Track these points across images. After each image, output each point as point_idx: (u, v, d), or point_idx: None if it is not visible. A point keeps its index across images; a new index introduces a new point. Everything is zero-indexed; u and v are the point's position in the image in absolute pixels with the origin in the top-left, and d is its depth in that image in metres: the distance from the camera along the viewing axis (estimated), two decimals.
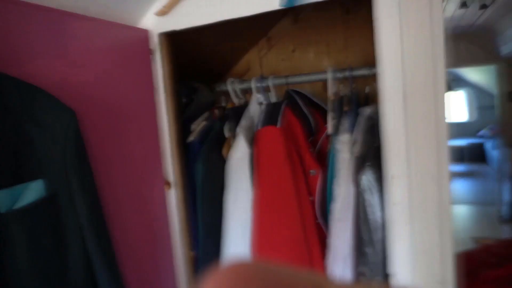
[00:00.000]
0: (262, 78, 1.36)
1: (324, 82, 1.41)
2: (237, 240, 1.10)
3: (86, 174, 0.75)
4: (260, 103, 1.35)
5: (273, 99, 1.37)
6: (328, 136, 1.23)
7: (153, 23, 1.11)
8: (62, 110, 0.70)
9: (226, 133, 1.31)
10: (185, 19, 1.08)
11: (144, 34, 1.09)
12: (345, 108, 1.28)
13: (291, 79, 1.38)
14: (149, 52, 1.10)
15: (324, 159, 1.19)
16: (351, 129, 1.11)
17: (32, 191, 0.63)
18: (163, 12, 1.07)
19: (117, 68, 0.98)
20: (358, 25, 1.57)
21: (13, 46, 0.72)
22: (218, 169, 1.25)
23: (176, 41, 1.15)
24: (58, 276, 0.67)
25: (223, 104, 1.48)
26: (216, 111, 1.42)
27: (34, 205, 0.62)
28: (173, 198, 1.15)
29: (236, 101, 1.44)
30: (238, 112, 1.34)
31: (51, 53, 0.80)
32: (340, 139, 1.08)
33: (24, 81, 0.68)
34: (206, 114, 1.38)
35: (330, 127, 1.18)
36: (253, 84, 1.35)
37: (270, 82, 1.35)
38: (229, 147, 1.27)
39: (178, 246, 1.17)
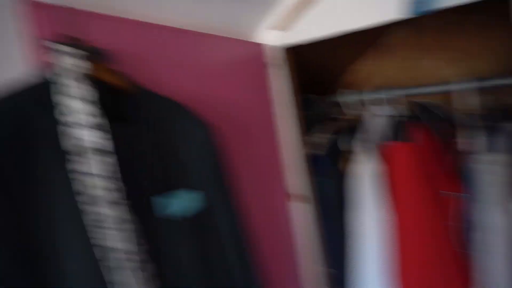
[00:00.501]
0: (378, 89, 1.28)
1: (446, 93, 1.28)
2: (368, 261, 1.04)
3: (227, 187, 0.76)
4: (378, 116, 1.27)
5: (393, 111, 1.28)
6: (461, 154, 1.10)
7: (272, 36, 1.11)
8: (200, 124, 0.73)
9: (342, 146, 1.26)
10: (305, 31, 1.07)
11: (259, 48, 1.10)
12: (481, 123, 1.14)
13: (412, 90, 1.28)
14: (265, 66, 1.11)
15: (456, 180, 1.06)
16: (495, 147, 0.97)
17: (184, 202, 0.66)
18: (285, 23, 1.07)
19: (236, 82, 1.00)
20: (490, 29, 1.40)
21: (152, 65, 0.77)
22: (337, 183, 1.20)
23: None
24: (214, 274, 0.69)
25: (336, 116, 1.43)
26: (330, 124, 1.38)
27: (186, 215, 0.65)
28: (302, 212, 1.14)
29: (350, 113, 1.38)
30: (352, 125, 1.28)
31: (182, 71, 0.84)
32: (485, 159, 0.95)
33: (169, 97, 0.71)
34: (319, 127, 1.35)
35: (466, 144, 1.05)
36: (369, 96, 1.28)
37: (387, 94, 1.26)
38: (346, 161, 1.22)
39: (307, 261, 1.15)
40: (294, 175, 1.13)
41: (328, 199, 1.17)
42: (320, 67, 1.52)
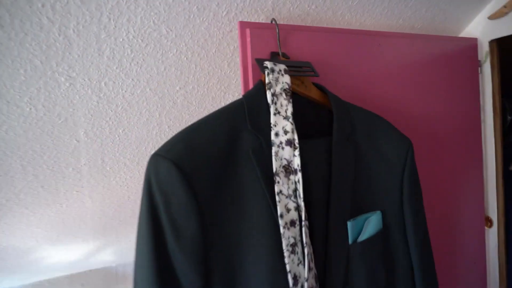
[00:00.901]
0: None
1: None
2: None
3: (419, 207, 0.68)
4: None
5: None
6: None
7: (482, 30, 0.93)
8: (400, 139, 0.66)
9: None
10: None
11: (471, 44, 0.93)
12: None
13: None
14: (477, 64, 0.94)
15: None
16: None
17: (373, 223, 0.62)
18: (501, 13, 0.88)
19: (441, 84, 0.87)
20: None
21: (350, 72, 0.74)
22: None
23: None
24: None
25: None
26: None
27: (374, 237, 0.61)
28: (493, 237, 0.95)
29: None
30: None
31: (381, 77, 0.78)
32: None
33: (368, 111, 0.67)
34: None
35: None
36: None
37: None
38: None
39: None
40: (493, 194, 0.94)
41: None
42: None
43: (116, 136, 0.75)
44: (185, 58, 0.68)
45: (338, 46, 0.72)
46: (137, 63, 0.65)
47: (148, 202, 0.47)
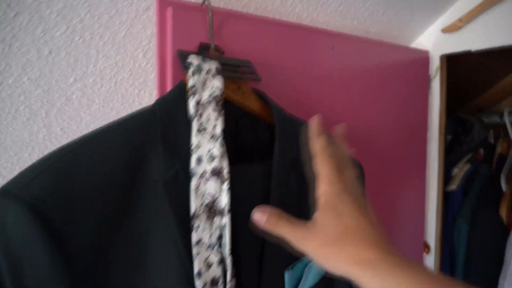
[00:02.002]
0: None
1: None
2: None
3: None
4: None
5: None
6: None
7: (434, 42, 0.87)
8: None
9: (503, 186, 0.97)
10: (477, 38, 0.80)
11: (423, 56, 0.87)
12: None
13: None
14: (428, 79, 0.88)
15: None
16: None
17: (314, 270, 0.49)
18: (455, 27, 0.82)
19: (391, 96, 0.79)
20: None
21: (293, 73, 0.62)
22: (489, 233, 0.93)
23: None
24: None
25: (491, 140, 1.13)
26: (481, 152, 1.09)
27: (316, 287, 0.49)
28: (429, 264, 0.90)
29: None
30: None
31: (333, 83, 0.67)
32: None
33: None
34: (469, 155, 1.06)
35: None
36: None
37: None
38: (509, 206, 0.93)
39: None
40: (433, 219, 0.90)
41: (472, 251, 0.90)
42: (478, 79, 1.21)
43: None
44: (80, 41, 0.49)
45: (286, 44, 0.59)
46: (3, 39, 0.45)
47: None
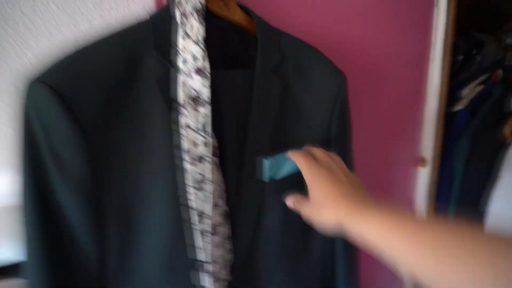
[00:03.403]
0: None
1: None
2: None
3: (347, 147, 0.66)
4: None
5: None
6: None
7: None
8: (332, 73, 0.60)
9: (509, 106, 0.98)
10: None
11: None
12: None
13: None
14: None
15: None
16: None
17: (291, 161, 0.58)
18: None
19: (392, 17, 0.81)
20: None
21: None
22: (489, 151, 0.97)
23: None
24: (300, 256, 0.63)
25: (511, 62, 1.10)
26: (500, 73, 1.08)
27: (293, 176, 0.58)
28: (424, 178, 0.97)
29: None
30: None
31: (317, 8, 0.71)
32: None
33: (302, 40, 0.61)
34: (484, 76, 1.06)
35: None
36: None
37: None
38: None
39: None
40: (430, 135, 0.94)
41: (471, 168, 0.95)
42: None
43: None
44: None
45: None
46: None
47: (26, 137, 0.41)
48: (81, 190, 0.43)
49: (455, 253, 0.30)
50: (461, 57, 0.99)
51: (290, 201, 0.52)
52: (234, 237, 0.54)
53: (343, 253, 0.64)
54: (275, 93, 0.55)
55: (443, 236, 0.32)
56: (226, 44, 0.56)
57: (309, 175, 0.47)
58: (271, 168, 0.55)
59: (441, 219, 0.34)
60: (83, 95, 0.42)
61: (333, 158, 0.51)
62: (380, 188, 0.92)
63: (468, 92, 1.02)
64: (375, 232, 0.38)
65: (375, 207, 0.41)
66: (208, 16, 0.50)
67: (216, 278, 0.52)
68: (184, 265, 0.51)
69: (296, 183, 0.58)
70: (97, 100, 0.43)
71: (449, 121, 1.00)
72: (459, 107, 1.00)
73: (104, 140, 0.44)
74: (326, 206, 0.44)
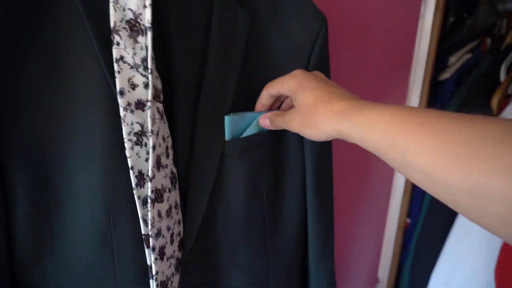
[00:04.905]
0: None
1: None
2: None
3: None
4: None
5: None
6: None
7: None
8: (313, 15, 0.50)
9: (502, 75, 0.91)
10: None
11: None
12: None
13: None
14: None
15: None
16: None
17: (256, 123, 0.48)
18: None
19: None
20: None
21: None
22: None
23: None
24: (269, 230, 0.53)
25: (502, 31, 1.03)
26: (489, 41, 1.01)
27: (261, 135, 0.48)
28: None
29: None
30: None
31: None
32: None
33: None
34: (473, 44, 0.99)
35: None
36: None
37: None
38: (503, 96, 0.88)
39: (394, 211, 0.97)
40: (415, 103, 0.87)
41: None
42: None
43: None
44: None
45: None
46: None
47: None
48: None
49: (482, 143, 0.23)
50: (451, 19, 0.90)
51: (265, 120, 0.44)
52: (184, 205, 0.44)
53: (317, 228, 0.55)
54: (240, 31, 0.44)
55: (469, 125, 0.25)
56: None
57: (293, 84, 0.40)
58: (234, 125, 0.45)
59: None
60: None
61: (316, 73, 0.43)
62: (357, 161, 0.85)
63: (455, 60, 0.94)
64: (380, 128, 0.31)
65: (376, 103, 0.34)
66: None
67: (161, 255, 0.42)
68: (121, 239, 0.41)
69: (267, 144, 0.49)
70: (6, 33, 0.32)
71: (434, 90, 0.92)
72: (445, 75, 0.93)
73: (6, 79, 0.33)
74: (319, 108, 0.37)
